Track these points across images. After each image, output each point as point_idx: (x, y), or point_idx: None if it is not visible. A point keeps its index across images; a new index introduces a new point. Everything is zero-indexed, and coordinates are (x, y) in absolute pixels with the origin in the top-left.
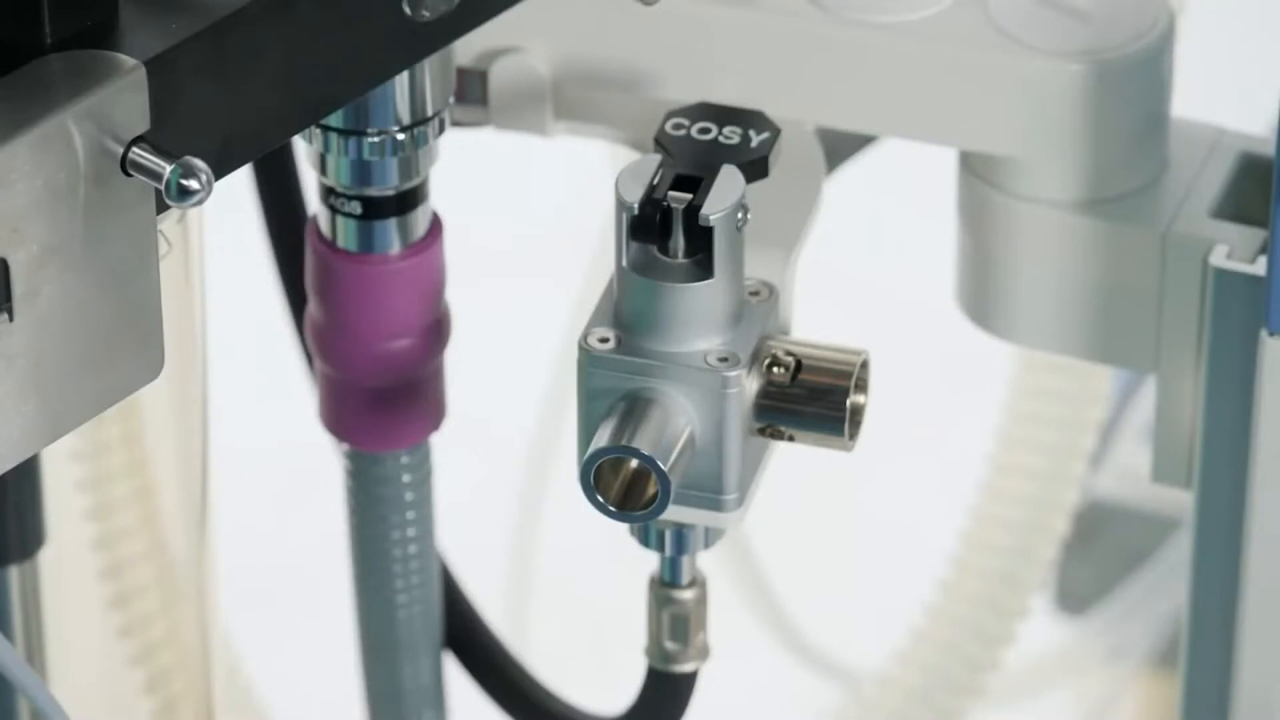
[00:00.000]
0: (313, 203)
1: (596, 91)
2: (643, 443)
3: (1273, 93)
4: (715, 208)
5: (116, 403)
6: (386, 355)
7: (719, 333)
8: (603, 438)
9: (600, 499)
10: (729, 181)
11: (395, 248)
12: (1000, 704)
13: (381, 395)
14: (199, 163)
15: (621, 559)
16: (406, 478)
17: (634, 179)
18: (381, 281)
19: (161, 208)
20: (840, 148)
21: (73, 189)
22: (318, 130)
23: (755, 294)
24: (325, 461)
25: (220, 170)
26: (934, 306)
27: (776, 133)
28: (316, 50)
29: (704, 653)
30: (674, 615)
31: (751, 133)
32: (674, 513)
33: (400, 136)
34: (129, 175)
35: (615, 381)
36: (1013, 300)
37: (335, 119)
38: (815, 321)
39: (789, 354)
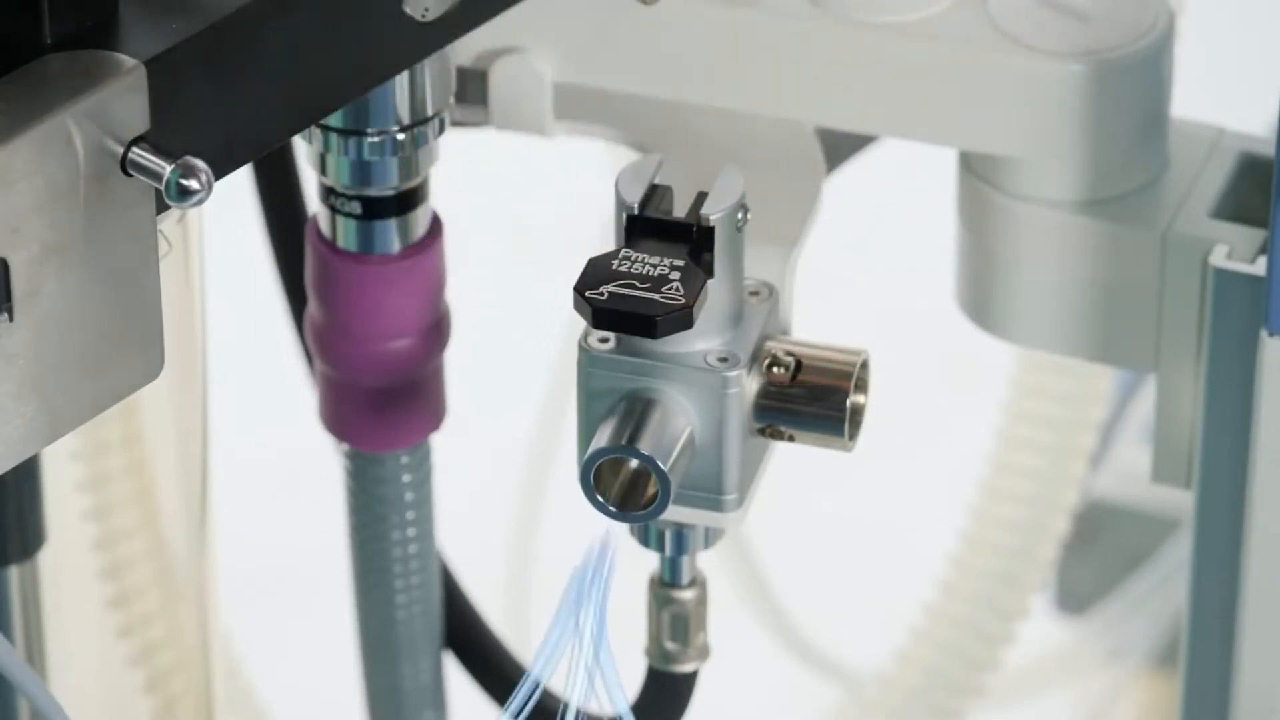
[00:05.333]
0: (313, 203)
1: (596, 91)
2: (643, 443)
3: (1273, 93)
4: (715, 208)
5: (116, 403)
6: (386, 355)
7: (719, 333)
8: (603, 438)
9: (600, 499)
10: (729, 182)
11: (395, 248)
12: (1000, 704)
13: (381, 395)
14: (199, 163)
15: (621, 559)
16: (406, 478)
17: (634, 179)
18: (381, 281)
19: (161, 208)
20: (840, 148)
21: (73, 189)
22: (318, 130)
23: (755, 294)
24: (325, 462)
25: (220, 170)
26: (934, 306)
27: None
28: (316, 50)
29: (704, 653)
30: (674, 615)
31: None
32: (674, 513)
33: (400, 136)
34: (129, 175)
35: (615, 381)
36: (1013, 300)
37: (335, 119)
38: (815, 322)
39: (789, 354)
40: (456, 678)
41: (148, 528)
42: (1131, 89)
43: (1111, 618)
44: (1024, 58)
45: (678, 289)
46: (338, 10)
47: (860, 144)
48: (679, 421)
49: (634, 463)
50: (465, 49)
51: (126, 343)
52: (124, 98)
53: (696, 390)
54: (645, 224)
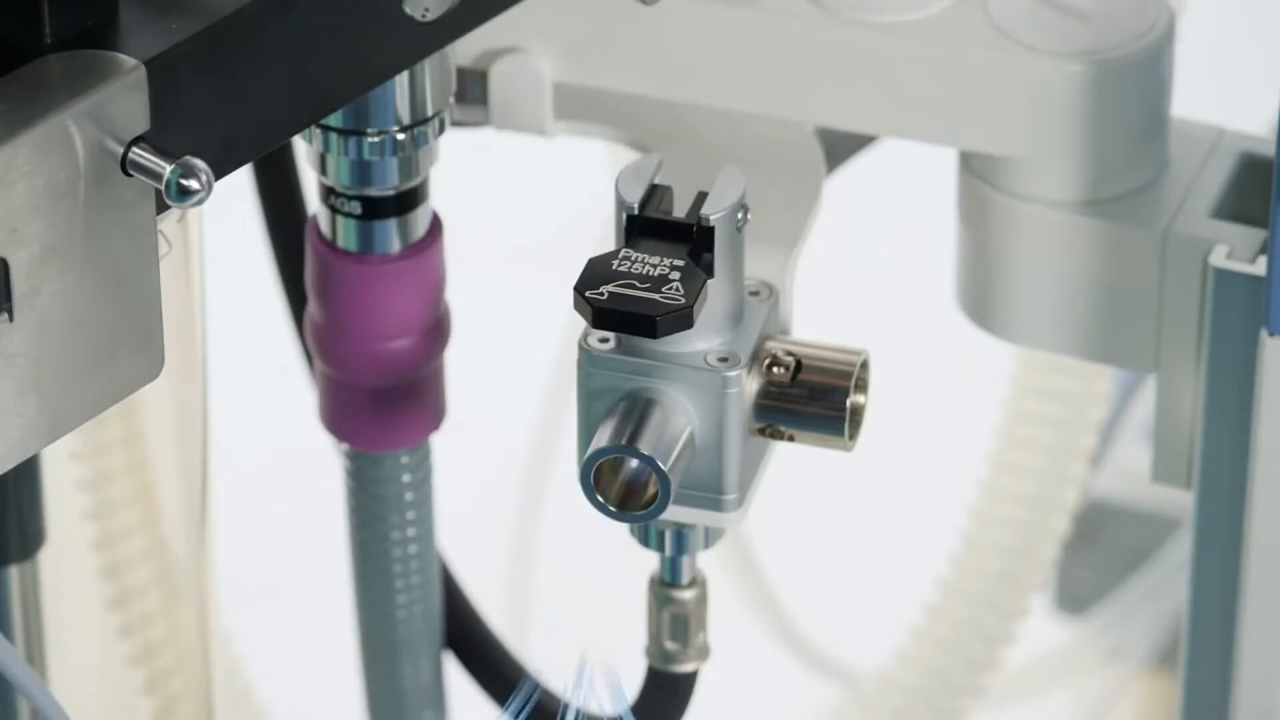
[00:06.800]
0: (313, 203)
1: (596, 91)
2: (643, 443)
3: (1273, 93)
4: (715, 208)
5: (116, 403)
6: (386, 355)
7: (719, 333)
8: (603, 438)
9: (600, 499)
10: (729, 182)
11: (395, 248)
12: (1000, 704)
13: (381, 395)
14: (199, 163)
15: (621, 559)
16: (406, 478)
17: (634, 179)
18: (381, 281)
19: (161, 208)
20: (840, 148)
21: (73, 189)
22: (318, 130)
23: (755, 294)
24: (325, 462)
25: (220, 170)
26: (934, 306)
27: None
28: (316, 50)
29: (704, 653)
30: (674, 615)
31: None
32: (674, 513)
33: (400, 136)
34: (129, 175)
35: (615, 381)
36: (1013, 300)
37: (335, 119)
38: (815, 321)
39: (789, 354)
40: (456, 678)
41: (148, 528)
42: (1131, 89)
43: (1111, 618)
44: (1024, 58)
45: (678, 289)
46: (338, 10)
47: (860, 144)
48: (679, 421)
49: (634, 462)
50: (465, 49)
51: (127, 342)
52: (124, 98)
53: (696, 390)
54: (645, 224)
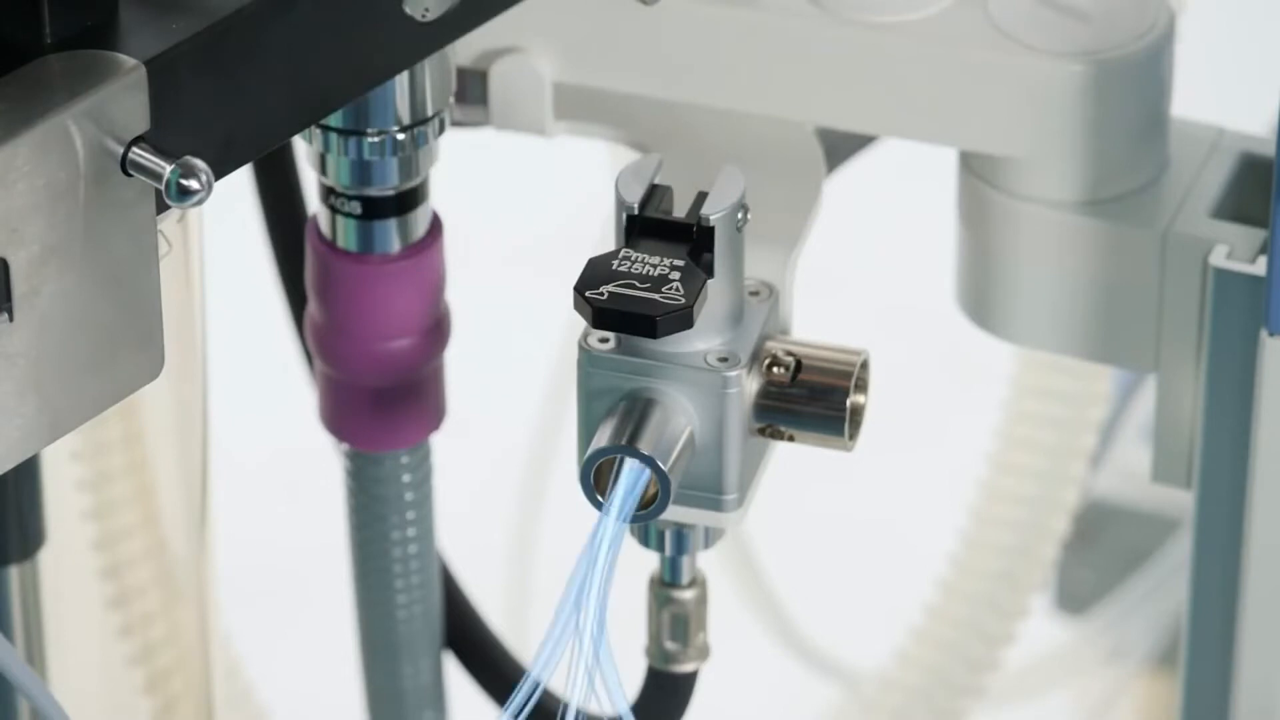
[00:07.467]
0: (313, 203)
1: (596, 91)
2: (643, 443)
3: (1273, 93)
4: (715, 208)
5: (116, 403)
6: (386, 355)
7: (719, 333)
8: (603, 438)
9: (600, 499)
10: (729, 182)
11: (395, 248)
12: (1000, 704)
13: (381, 395)
14: (199, 163)
15: (622, 559)
16: (406, 478)
17: (634, 179)
18: (381, 281)
19: (161, 208)
20: (840, 148)
21: (73, 189)
22: (318, 130)
23: (755, 294)
24: (325, 462)
25: (220, 170)
26: (934, 306)
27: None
28: (316, 50)
29: (704, 653)
30: (674, 615)
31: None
32: (674, 513)
33: (400, 136)
34: (129, 175)
35: (615, 381)
36: (1013, 300)
37: (335, 119)
38: (815, 321)
39: (789, 354)
40: (456, 678)
41: (148, 528)
42: (1131, 89)
43: (1111, 618)
44: (1024, 58)
45: (678, 289)
46: (338, 10)
47: (860, 144)
48: (679, 421)
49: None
50: (465, 49)
51: (127, 342)
52: (124, 98)
53: (696, 390)
54: (645, 224)
